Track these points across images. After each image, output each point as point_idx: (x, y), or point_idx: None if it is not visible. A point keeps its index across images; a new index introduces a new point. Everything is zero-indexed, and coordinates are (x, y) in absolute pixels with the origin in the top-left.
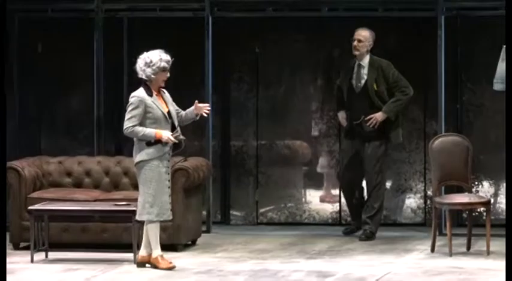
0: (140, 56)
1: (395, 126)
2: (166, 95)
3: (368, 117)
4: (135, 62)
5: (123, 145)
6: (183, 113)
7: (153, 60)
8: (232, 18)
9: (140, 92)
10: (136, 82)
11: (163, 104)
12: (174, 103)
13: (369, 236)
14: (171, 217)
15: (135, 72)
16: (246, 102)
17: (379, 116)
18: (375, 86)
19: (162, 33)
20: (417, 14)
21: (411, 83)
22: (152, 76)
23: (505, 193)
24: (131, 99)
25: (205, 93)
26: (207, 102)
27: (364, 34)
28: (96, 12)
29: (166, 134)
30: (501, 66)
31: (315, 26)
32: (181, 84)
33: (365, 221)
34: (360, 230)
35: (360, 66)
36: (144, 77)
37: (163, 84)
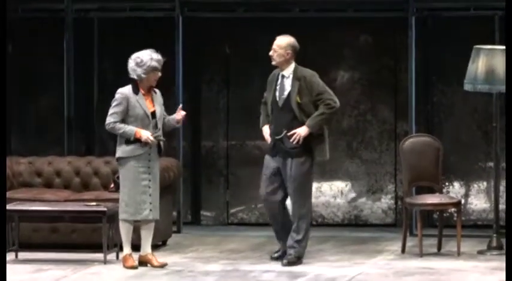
0: (131, 57)
1: (320, 141)
2: (157, 95)
3: (291, 132)
4: (105, 63)
5: (94, 145)
6: (168, 117)
7: (144, 60)
8: (203, 18)
9: (126, 89)
10: (107, 82)
11: (151, 103)
12: (163, 106)
13: (293, 262)
14: (150, 217)
15: (106, 73)
16: (217, 103)
17: (302, 131)
18: (297, 98)
19: (132, 33)
20: (388, 15)
21: (382, 84)
22: (143, 76)
23: (475, 194)
24: (116, 96)
25: (176, 93)
26: (179, 103)
27: (279, 43)
28: (66, 12)
29: (146, 134)
30: (471, 68)
31: (286, 26)
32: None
33: (292, 245)
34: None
35: (283, 77)
36: (135, 76)
37: (154, 84)
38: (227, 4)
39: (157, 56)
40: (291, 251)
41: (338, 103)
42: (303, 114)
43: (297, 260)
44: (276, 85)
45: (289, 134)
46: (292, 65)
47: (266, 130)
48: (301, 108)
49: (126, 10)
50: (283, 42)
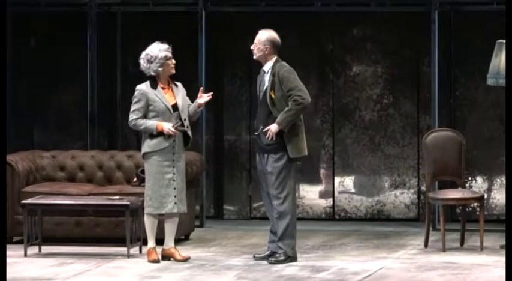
0: (141, 57)
1: (292, 138)
2: (179, 88)
3: (266, 129)
4: (128, 57)
5: (116, 139)
6: (191, 105)
7: (154, 54)
8: (226, 12)
9: (143, 85)
10: (129, 76)
11: (172, 96)
12: (187, 97)
13: (280, 261)
14: (175, 210)
15: (129, 67)
16: (239, 97)
17: (273, 127)
18: (272, 94)
19: (155, 28)
20: (410, 9)
21: (405, 78)
22: (160, 69)
23: (498, 189)
24: (135, 93)
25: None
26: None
27: (259, 37)
28: (89, 7)
29: (167, 126)
30: (494, 62)
31: (308, 21)
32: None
33: (278, 246)
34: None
35: (264, 72)
36: (152, 73)
37: (173, 71)
38: None
39: (163, 46)
40: (279, 251)
41: (307, 99)
42: (275, 110)
43: (285, 260)
44: (260, 81)
45: (264, 130)
46: (272, 60)
47: None
48: (274, 104)
49: (149, 4)
50: (262, 36)
